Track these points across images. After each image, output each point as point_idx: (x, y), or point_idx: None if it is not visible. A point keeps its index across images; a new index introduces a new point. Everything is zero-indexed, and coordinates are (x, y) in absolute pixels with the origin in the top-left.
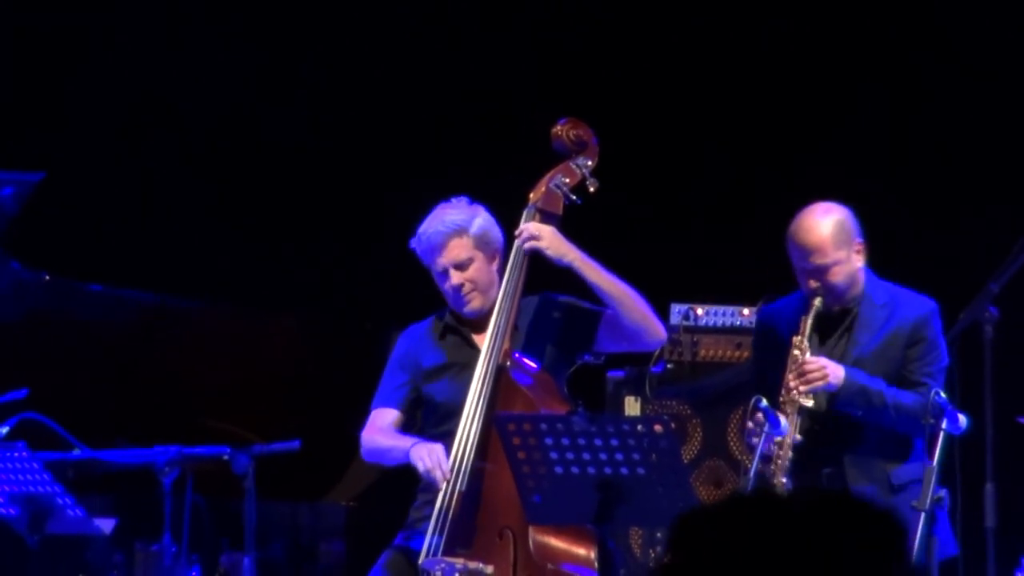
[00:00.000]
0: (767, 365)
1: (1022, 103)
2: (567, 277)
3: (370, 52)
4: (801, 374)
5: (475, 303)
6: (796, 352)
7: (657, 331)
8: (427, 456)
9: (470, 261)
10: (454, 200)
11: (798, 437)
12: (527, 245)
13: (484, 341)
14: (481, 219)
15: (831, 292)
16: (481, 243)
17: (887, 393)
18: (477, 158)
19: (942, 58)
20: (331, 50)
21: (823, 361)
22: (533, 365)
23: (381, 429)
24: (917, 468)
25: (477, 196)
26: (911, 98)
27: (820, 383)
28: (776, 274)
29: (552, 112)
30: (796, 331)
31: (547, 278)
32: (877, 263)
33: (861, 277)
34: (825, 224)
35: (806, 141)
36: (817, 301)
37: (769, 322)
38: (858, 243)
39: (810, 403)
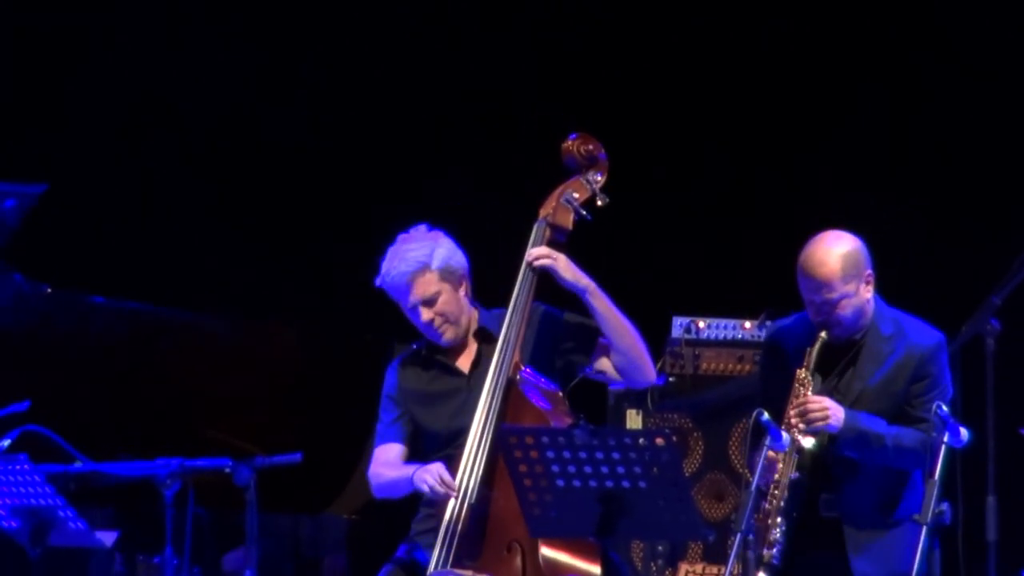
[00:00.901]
0: (772, 386)
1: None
2: (564, 295)
3: (370, 52)
4: (803, 413)
5: (448, 334)
6: (799, 387)
7: (648, 373)
8: (428, 477)
9: (438, 295)
10: (412, 231)
11: (795, 475)
12: (541, 263)
13: (468, 363)
14: (442, 249)
15: (838, 324)
16: (446, 274)
17: (887, 436)
18: (478, 161)
19: (942, 58)
20: (331, 50)
21: (827, 402)
22: (542, 379)
23: (386, 463)
24: (914, 505)
25: (479, 198)
26: (911, 98)
27: (821, 424)
28: (777, 287)
29: (553, 113)
30: (801, 361)
31: (545, 292)
32: (877, 266)
33: (870, 308)
34: (835, 257)
35: (806, 143)
36: (823, 334)
37: (777, 342)
38: (868, 274)
39: (809, 444)
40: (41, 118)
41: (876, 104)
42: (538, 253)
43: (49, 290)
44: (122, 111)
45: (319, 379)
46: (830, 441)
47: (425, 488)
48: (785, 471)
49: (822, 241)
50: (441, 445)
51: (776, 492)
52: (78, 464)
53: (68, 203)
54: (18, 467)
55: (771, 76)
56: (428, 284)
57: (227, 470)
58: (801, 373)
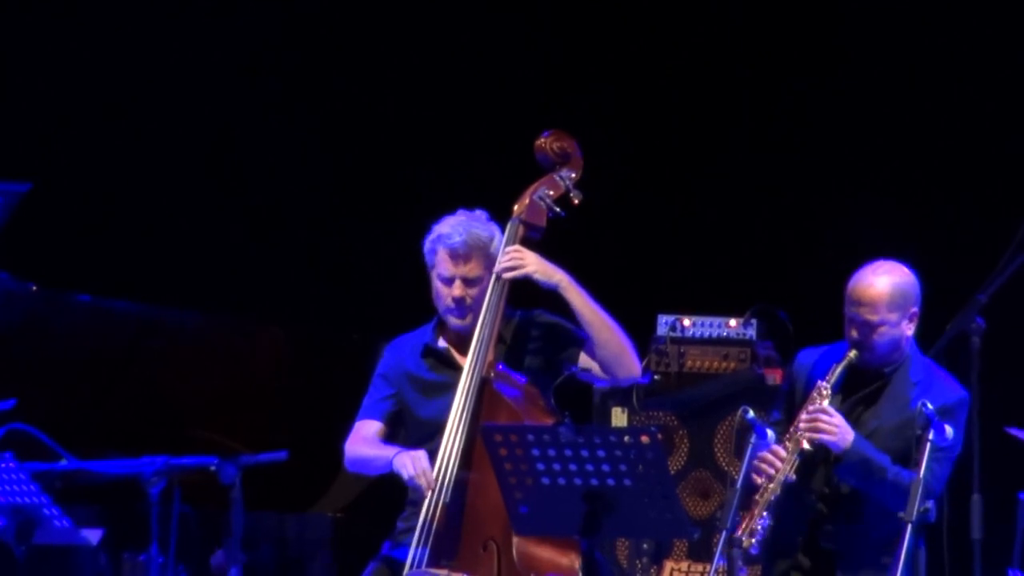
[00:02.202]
0: (788, 411)
1: (1019, 106)
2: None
3: (367, 53)
4: (813, 420)
5: (467, 319)
6: (816, 395)
7: (631, 367)
8: (411, 463)
9: (479, 280)
10: (477, 212)
11: (792, 476)
12: (511, 275)
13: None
14: (496, 241)
15: (871, 349)
16: (492, 264)
17: (889, 470)
18: (476, 160)
19: (941, 58)
20: (330, 51)
21: (839, 419)
22: (517, 377)
23: (365, 439)
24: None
25: (478, 198)
26: (907, 98)
27: (827, 437)
28: (763, 286)
29: (546, 113)
30: (824, 375)
31: (542, 296)
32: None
33: (906, 346)
34: (885, 282)
35: (794, 142)
36: (852, 354)
37: (804, 371)
38: (913, 312)
39: (808, 445)
40: (32, 115)
41: (872, 106)
42: (505, 262)
43: (35, 288)
44: (118, 108)
45: (305, 378)
46: (832, 464)
47: (405, 475)
48: (783, 470)
49: (879, 266)
50: (428, 435)
51: (770, 487)
52: (63, 462)
53: (57, 201)
54: (4, 465)
55: (760, 74)
56: (478, 266)
57: (212, 468)
58: (822, 385)
